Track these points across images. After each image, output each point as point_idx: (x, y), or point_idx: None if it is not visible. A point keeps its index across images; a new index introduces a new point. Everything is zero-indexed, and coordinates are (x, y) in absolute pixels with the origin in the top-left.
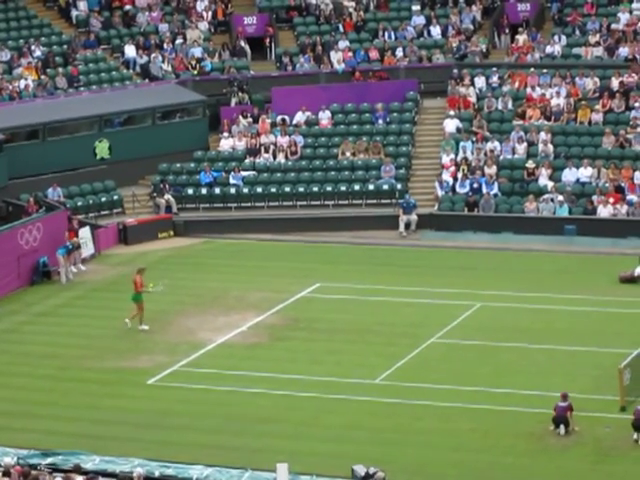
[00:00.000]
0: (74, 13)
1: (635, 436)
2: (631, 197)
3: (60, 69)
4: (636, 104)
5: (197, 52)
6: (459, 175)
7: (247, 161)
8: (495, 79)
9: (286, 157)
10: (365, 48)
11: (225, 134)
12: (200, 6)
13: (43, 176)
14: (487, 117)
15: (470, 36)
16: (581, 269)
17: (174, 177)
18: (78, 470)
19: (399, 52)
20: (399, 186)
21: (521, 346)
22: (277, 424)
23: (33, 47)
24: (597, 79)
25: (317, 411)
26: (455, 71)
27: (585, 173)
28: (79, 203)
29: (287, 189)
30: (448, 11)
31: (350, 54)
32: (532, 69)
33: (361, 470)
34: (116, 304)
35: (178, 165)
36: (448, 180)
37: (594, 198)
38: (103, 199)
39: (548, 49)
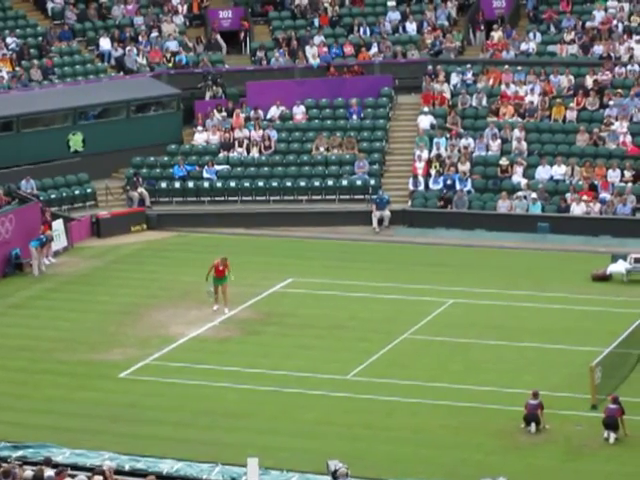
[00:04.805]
0: (49, 5)
1: (606, 434)
2: (604, 195)
3: (35, 61)
4: (610, 102)
5: (172, 45)
6: (432, 172)
7: (221, 155)
8: (470, 76)
9: (260, 151)
10: (340, 43)
11: (199, 128)
12: None
13: (16, 168)
14: (461, 114)
15: (446, 32)
16: (554, 267)
17: (147, 170)
18: (49, 463)
19: (374, 48)
20: (372, 182)
21: (493, 343)
22: (248, 419)
23: (8, 39)
24: (572, 77)
25: (288, 406)
26: (430, 67)
27: (559, 171)
28: (52, 195)
29: (260, 184)
30: (424, 7)
31: (325, 49)
32: (507, 66)
33: (333, 465)
34: (88, 297)
35: (152, 158)
36: (420, 177)
37: (567, 196)
38: (76, 192)
39: (523, 46)
